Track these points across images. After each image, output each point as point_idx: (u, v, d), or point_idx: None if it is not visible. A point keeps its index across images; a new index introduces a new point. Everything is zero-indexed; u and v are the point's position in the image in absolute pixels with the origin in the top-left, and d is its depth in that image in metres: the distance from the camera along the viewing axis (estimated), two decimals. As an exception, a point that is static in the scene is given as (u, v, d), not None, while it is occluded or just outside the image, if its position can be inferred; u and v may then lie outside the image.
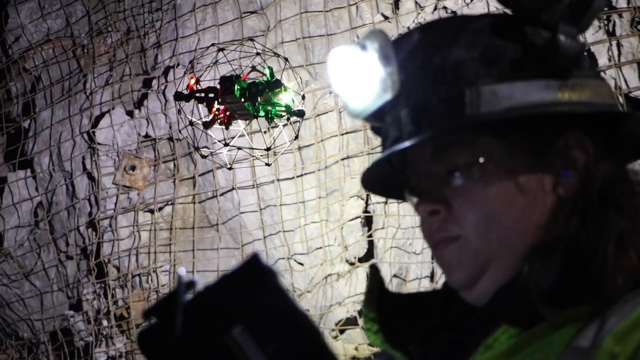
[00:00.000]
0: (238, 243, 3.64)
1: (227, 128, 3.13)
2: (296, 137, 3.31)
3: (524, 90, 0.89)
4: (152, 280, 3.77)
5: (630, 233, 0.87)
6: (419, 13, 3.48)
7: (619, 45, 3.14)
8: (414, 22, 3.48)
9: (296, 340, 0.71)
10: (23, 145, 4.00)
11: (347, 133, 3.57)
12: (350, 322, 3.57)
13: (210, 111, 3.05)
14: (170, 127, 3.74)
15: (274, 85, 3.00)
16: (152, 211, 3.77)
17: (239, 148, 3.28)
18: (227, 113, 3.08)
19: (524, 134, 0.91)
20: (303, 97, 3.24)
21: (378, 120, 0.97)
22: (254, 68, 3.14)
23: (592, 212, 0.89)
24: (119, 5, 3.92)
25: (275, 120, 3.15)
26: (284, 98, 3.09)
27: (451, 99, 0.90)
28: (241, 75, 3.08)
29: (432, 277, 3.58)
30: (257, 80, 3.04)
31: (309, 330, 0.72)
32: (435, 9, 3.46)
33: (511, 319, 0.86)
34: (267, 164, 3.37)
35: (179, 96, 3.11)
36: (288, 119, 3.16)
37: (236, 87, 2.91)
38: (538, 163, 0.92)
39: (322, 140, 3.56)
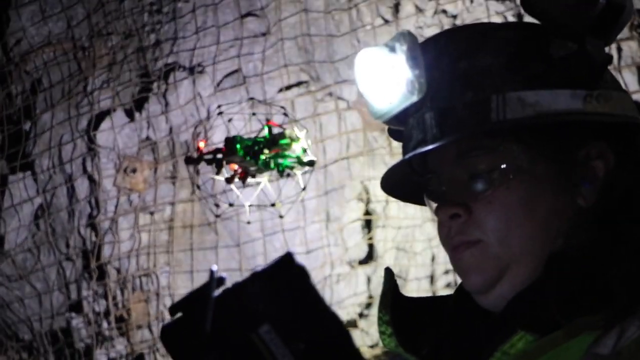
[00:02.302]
0: (238, 244, 3.64)
1: (244, 183, 3.16)
2: (304, 189, 3.30)
3: (550, 99, 0.90)
4: (152, 282, 3.77)
5: None
6: (419, 17, 3.50)
7: (618, 49, 3.16)
8: (414, 25, 3.49)
9: (324, 341, 0.71)
10: (24, 147, 3.99)
11: (346, 133, 3.58)
12: (350, 324, 3.57)
13: (219, 172, 3.09)
14: (171, 130, 3.75)
15: (272, 140, 3.03)
16: (152, 213, 3.78)
17: (250, 205, 3.30)
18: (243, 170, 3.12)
19: (547, 142, 0.92)
20: (308, 146, 3.23)
21: (400, 122, 0.98)
22: (271, 132, 3.15)
23: (610, 222, 0.89)
24: (119, 7, 3.92)
25: (287, 171, 3.16)
26: (296, 149, 3.09)
27: (477, 104, 0.90)
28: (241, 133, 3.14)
29: (431, 278, 3.60)
30: (258, 138, 3.06)
31: (337, 331, 0.71)
32: (435, 12, 3.47)
33: (528, 325, 0.86)
34: (281, 216, 3.43)
35: (189, 160, 3.21)
36: (292, 167, 3.16)
37: (238, 146, 2.96)
38: (559, 172, 0.92)
39: (322, 141, 3.57)
